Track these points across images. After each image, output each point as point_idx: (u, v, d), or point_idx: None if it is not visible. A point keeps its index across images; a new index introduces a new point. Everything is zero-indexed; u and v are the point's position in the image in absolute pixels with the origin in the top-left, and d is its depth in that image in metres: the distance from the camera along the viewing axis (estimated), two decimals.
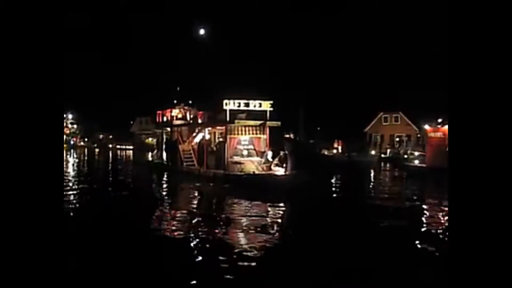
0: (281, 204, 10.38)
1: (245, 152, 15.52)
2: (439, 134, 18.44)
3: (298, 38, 59.86)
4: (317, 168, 18.72)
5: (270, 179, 13.12)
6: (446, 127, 17.88)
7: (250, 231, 7.45)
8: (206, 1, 59.88)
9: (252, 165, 14.70)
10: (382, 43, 51.36)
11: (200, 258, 5.86)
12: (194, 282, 4.84)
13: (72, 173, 19.26)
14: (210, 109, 18.73)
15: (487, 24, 2.47)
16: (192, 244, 6.53)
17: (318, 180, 15.94)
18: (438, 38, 29.02)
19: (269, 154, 14.73)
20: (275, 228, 7.98)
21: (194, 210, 10.12)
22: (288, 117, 22.17)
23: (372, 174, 22.02)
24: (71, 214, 9.06)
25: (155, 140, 27.35)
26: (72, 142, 59.74)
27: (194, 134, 18.31)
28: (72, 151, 46.74)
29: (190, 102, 21.26)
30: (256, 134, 15.67)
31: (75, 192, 12.56)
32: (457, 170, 2.51)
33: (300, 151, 18.31)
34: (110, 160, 33.10)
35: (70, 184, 14.42)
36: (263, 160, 14.80)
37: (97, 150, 51.91)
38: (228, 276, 5.03)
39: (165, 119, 21.37)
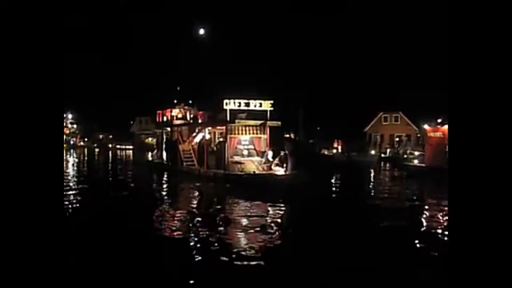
0: (282, 204, 10.38)
1: (245, 152, 15.52)
2: (438, 134, 18.45)
3: (298, 38, 59.89)
4: (317, 168, 18.73)
5: (270, 179, 13.12)
6: (446, 126, 17.89)
7: (250, 231, 7.45)
8: (206, 1, 59.89)
9: (253, 165, 14.70)
10: (382, 43, 51.41)
11: (200, 258, 5.86)
12: (194, 282, 4.85)
13: (71, 173, 19.26)
14: (210, 109, 18.74)
15: (486, 24, 2.47)
16: (192, 244, 6.54)
17: (318, 180, 15.95)
18: (438, 38, 29.02)
19: (270, 154, 14.73)
20: (276, 228, 7.98)
21: (194, 210, 10.12)
22: (288, 117, 22.18)
23: (372, 174, 22.02)
24: (71, 214, 9.07)
25: (155, 140, 27.38)
26: (72, 142, 59.71)
27: (194, 134, 18.30)
28: (72, 151, 46.73)
29: (190, 102, 21.27)
30: (257, 134, 15.67)
31: (74, 192, 12.56)
32: (457, 170, 2.51)
33: (300, 151, 18.32)
34: (110, 160, 33.08)
35: (70, 184, 14.42)
36: (263, 160, 14.80)
37: (97, 150, 51.89)
38: (228, 276, 5.04)
39: (165, 119, 21.36)
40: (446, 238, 6.97)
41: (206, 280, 4.92)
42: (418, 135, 35.37)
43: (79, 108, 63.48)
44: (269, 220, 8.68)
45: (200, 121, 19.55)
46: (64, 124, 57.53)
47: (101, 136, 66.92)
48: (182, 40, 56.42)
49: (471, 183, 2.43)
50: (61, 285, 2.75)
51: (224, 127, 15.75)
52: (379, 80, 43.79)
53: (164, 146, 20.46)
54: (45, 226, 2.59)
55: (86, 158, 36.26)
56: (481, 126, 2.44)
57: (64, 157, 31.12)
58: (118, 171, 23.10)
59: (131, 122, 65.20)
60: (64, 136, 50.19)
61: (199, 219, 8.64)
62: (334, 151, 31.12)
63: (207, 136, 17.27)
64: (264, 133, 15.73)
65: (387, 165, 27.38)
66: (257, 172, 14.12)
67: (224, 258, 5.67)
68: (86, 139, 67.38)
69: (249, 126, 15.49)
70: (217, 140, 16.98)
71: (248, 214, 9.25)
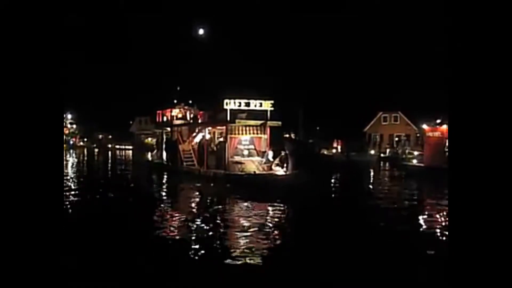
0: (282, 204, 10.40)
1: (245, 152, 15.51)
2: (437, 134, 18.50)
3: (298, 38, 59.90)
4: (317, 168, 18.75)
5: (271, 179, 13.13)
6: (444, 126, 17.95)
7: (250, 231, 7.47)
8: (206, 1, 59.87)
9: (253, 165, 14.70)
10: (381, 43, 51.45)
11: (199, 258, 5.88)
12: (194, 282, 4.87)
13: (71, 174, 19.26)
14: (211, 109, 18.72)
15: (486, 24, 2.49)
16: (192, 245, 6.55)
17: (318, 180, 15.97)
18: (438, 38, 29.04)
19: (270, 154, 14.73)
20: (276, 228, 8.00)
21: (194, 211, 10.14)
22: (288, 117, 22.19)
23: (371, 174, 22.06)
24: (71, 214, 9.08)
25: (154, 140, 27.36)
26: (71, 142, 59.60)
27: (194, 134, 18.30)
28: (71, 151, 46.66)
29: (190, 102, 21.27)
30: (257, 134, 15.66)
31: (74, 192, 12.58)
32: (457, 170, 2.53)
33: (300, 151, 18.33)
34: (110, 160, 33.06)
35: (70, 184, 14.43)
36: (263, 160, 14.80)
37: (96, 150, 51.84)
38: (228, 276, 5.07)
39: (165, 119, 21.35)
40: (445, 238, 7.00)
41: (206, 280, 4.94)
42: (418, 135, 35.39)
43: (79, 108, 63.46)
44: (269, 221, 8.70)
45: (200, 121, 19.54)
46: (64, 124, 57.43)
47: (100, 136, 66.82)
48: (182, 40, 56.38)
49: (471, 182, 2.45)
50: (61, 285, 2.76)
51: (224, 127, 15.74)
52: (379, 80, 43.85)
53: (164, 146, 20.46)
54: (45, 226, 2.60)
55: (85, 158, 36.23)
56: (481, 126, 2.46)
57: (64, 157, 31.09)
58: (118, 171, 23.10)
59: (131, 122, 65.16)
60: (64, 136, 50.09)
61: (199, 219, 8.66)
62: (334, 151, 31.18)
63: (207, 136, 17.27)
64: (264, 133, 15.72)
65: (387, 165, 27.41)
66: (257, 172, 14.12)
67: (224, 258, 5.69)
68: (85, 139, 67.28)
69: (249, 126, 15.48)
70: (217, 140, 16.98)
71: (249, 214, 9.27)
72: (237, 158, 15.14)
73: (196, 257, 5.90)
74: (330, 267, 5.39)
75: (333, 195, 14.12)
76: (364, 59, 48.73)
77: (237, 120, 15.24)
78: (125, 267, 5.29)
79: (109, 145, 57.12)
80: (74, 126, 67.37)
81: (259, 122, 15.53)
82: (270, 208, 9.93)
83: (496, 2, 2.49)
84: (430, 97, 27.66)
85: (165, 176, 17.52)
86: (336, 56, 51.48)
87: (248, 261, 5.62)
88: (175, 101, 21.24)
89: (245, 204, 10.48)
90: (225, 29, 53.39)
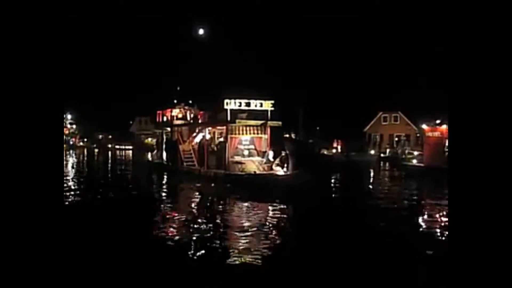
0: (283, 205, 10.40)
1: (246, 152, 15.51)
2: (436, 134, 18.51)
3: (298, 38, 59.91)
4: (317, 168, 18.75)
5: (271, 179, 13.13)
6: (444, 126, 17.97)
7: (251, 232, 7.47)
8: (206, 1, 59.89)
9: (253, 165, 14.70)
10: (381, 43, 51.45)
11: (200, 258, 5.88)
12: (194, 282, 4.87)
13: (71, 174, 19.27)
14: (211, 109, 18.73)
15: (486, 24, 2.49)
16: (192, 245, 6.55)
17: (319, 180, 15.97)
18: (438, 38, 29.05)
19: (270, 154, 14.73)
20: (276, 228, 8.00)
21: (195, 211, 10.14)
22: (288, 117, 22.19)
23: (371, 174, 22.07)
24: (71, 214, 9.07)
25: (154, 140, 27.37)
26: (71, 142, 59.59)
27: (195, 134, 18.30)
28: (71, 151, 46.68)
29: (190, 102, 21.27)
30: (257, 134, 15.66)
31: (74, 192, 12.58)
32: (457, 170, 2.53)
33: (300, 151, 18.33)
34: (110, 161, 33.07)
35: (70, 184, 14.44)
36: (264, 160, 14.79)
37: (96, 150, 51.85)
38: (228, 276, 5.07)
39: (165, 119, 21.36)
40: (445, 238, 7.00)
41: (206, 280, 4.94)
42: (418, 135, 35.41)
43: (79, 108, 63.46)
44: (269, 221, 8.70)
45: (200, 121, 19.54)
46: (64, 124, 57.41)
47: (100, 136, 66.83)
48: (182, 40, 56.40)
49: (470, 182, 2.45)
50: (61, 285, 2.76)
51: (224, 127, 15.73)
52: (379, 80, 43.86)
53: (164, 146, 20.47)
54: (45, 226, 2.60)
55: (85, 158, 36.24)
56: (481, 126, 2.46)
57: (64, 158, 31.09)
58: (118, 171, 23.11)
59: (131, 122, 65.20)
60: (64, 136, 50.07)
61: (199, 219, 8.66)
62: (334, 151, 31.18)
63: (208, 136, 17.28)
64: (264, 133, 15.72)
65: (386, 165, 27.42)
66: (257, 172, 14.12)
67: (224, 258, 5.69)
68: (85, 139, 67.29)
69: (249, 126, 15.47)
70: (217, 140, 16.99)
71: (249, 214, 9.28)
72: (237, 158, 15.14)
73: (196, 257, 5.90)
74: (330, 267, 5.40)
75: (333, 195, 14.12)
76: (364, 59, 48.79)
77: (237, 120, 15.23)
78: (125, 267, 5.29)
79: (109, 145, 57.12)
80: (74, 126, 67.37)
81: (260, 122, 15.51)
82: (270, 208, 9.93)
83: (496, 2, 2.49)
84: (430, 97, 27.70)
85: (165, 176, 17.52)
86: (336, 56, 51.52)
87: (248, 261, 5.62)
88: (175, 101, 21.23)
89: (246, 204, 10.48)
90: (225, 29, 53.45)
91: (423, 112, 25.32)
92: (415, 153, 22.81)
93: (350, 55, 50.36)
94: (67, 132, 60.09)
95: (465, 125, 2.51)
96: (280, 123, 16.07)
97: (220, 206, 10.48)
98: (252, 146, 15.84)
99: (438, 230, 7.83)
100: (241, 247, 6.36)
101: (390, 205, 11.19)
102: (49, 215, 2.63)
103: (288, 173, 13.41)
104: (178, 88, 23.14)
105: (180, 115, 20.36)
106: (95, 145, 60.00)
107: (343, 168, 23.15)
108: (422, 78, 36.76)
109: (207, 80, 37.14)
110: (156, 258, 5.76)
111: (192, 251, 6.14)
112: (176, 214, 9.23)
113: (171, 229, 7.76)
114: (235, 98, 15.29)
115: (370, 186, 16.76)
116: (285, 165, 13.68)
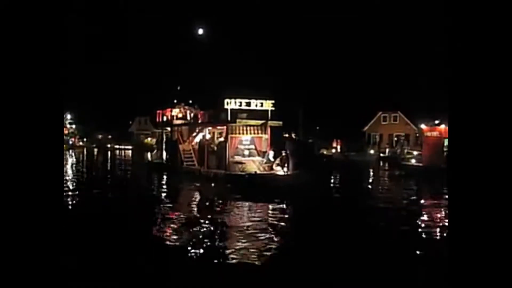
0: (283, 205, 10.40)
1: (246, 152, 15.49)
2: (435, 134, 18.53)
3: (298, 38, 59.95)
4: (317, 168, 18.76)
5: (271, 179, 13.13)
6: (442, 126, 17.98)
7: (251, 232, 7.48)
8: (206, 1, 59.90)
9: (254, 165, 14.69)
10: (381, 43, 51.49)
11: (200, 258, 5.88)
12: (194, 282, 4.87)
13: (71, 174, 19.26)
14: (211, 109, 18.74)
15: (486, 24, 2.49)
16: (192, 245, 6.55)
17: (319, 180, 15.97)
18: (438, 38, 29.07)
19: (271, 154, 14.72)
20: (276, 228, 8.00)
21: (195, 211, 10.14)
22: (288, 117, 22.22)
23: (370, 174, 22.08)
24: (70, 214, 9.07)
25: (154, 140, 27.38)
26: (70, 142, 59.54)
27: (195, 134, 18.30)
28: (70, 151, 46.68)
29: (191, 101, 21.25)
30: (258, 133, 15.65)
31: (74, 192, 12.58)
32: (457, 169, 2.53)
33: (300, 151, 18.35)
34: (109, 160, 33.07)
35: (69, 184, 14.43)
36: (264, 160, 14.79)
37: (96, 150, 51.85)
38: (228, 276, 5.07)
39: (165, 118, 21.35)
40: (445, 238, 7.00)
41: (206, 281, 4.94)
42: (417, 134, 35.43)
43: (79, 108, 63.41)
44: (269, 221, 8.70)
45: (200, 121, 19.54)
46: (64, 124, 57.38)
47: (100, 136, 66.79)
48: (182, 40, 56.38)
49: (470, 182, 2.45)
50: (61, 285, 2.76)
51: (224, 127, 15.72)
52: (379, 80, 43.92)
53: (164, 146, 20.46)
54: (45, 226, 2.60)
55: (85, 158, 36.23)
56: (480, 126, 2.46)
57: (64, 157, 31.08)
58: (118, 171, 23.11)
59: (131, 122, 65.18)
60: (64, 136, 50.05)
61: (199, 219, 8.66)
62: (333, 150, 31.20)
63: (208, 136, 17.27)
64: (265, 133, 15.72)
65: (386, 164, 27.42)
66: (258, 172, 14.11)
67: (224, 259, 5.69)
68: (85, 139, 67.25)
69: (250, 126, 15.46)
70: (217, 140, 16.98)
71: (249, 214, 9.28)
72: (237, 158, 15.13)
73: (196, 257, 5.90)
74: (330, 267, 5.40)
75: (333, 195, 14.13)
76: (364, 59, 48.86)
77: (237, 120, 15.21)
78: (125, 267, 5.29)
79: (109, 145, 57.11)
80: (74, 126, 67.33)
81: (260, 122, 15.50)
82: (270, 208, 9.93)
83: (496, 2, 2.49)
84: (429, 97, 27.72)
85: (165, 176, 17.51)
86: (336, 56, 51.59)
87: (248, 261, 5.62)
88: (175, 101, 21.21)
89: (246, 204, 10.48)
90: (225, 29, 53.44)
91: (422, 111, 25.35)
92: (415, 153, 22.81)
93: (350, 55, 50.50)
94: (66, 132, 60.04)
95: (465, 125, 2.51)
96: (280, 123, 16.05)
97: (220, 206, 10.48)
98: (253, 146, 15.82)
99: (438, 230, 7.83)
100: (241, 247, 6.36)
101: (390, 205, 11.19)
102: (49, 215, 2.63)
103: (288, 173, 13.40)
104: (178, 88, 23.14)
105: (180, 115, 20.35)
106: (94, 145, 59.96)
107: (343, 168, 23.16)
108: (422, 78, 36.81)
109: (207, 80, 37.14)
110: (156, 258, 5.76)
111: (192, 251, 6.14)
112: (176, 214, 9.23)
113: (171, 229, 7.76)
114: (235, 98, 15.28)
115: (370, 186, 16.77)
116: (286, 165, 13.68)
